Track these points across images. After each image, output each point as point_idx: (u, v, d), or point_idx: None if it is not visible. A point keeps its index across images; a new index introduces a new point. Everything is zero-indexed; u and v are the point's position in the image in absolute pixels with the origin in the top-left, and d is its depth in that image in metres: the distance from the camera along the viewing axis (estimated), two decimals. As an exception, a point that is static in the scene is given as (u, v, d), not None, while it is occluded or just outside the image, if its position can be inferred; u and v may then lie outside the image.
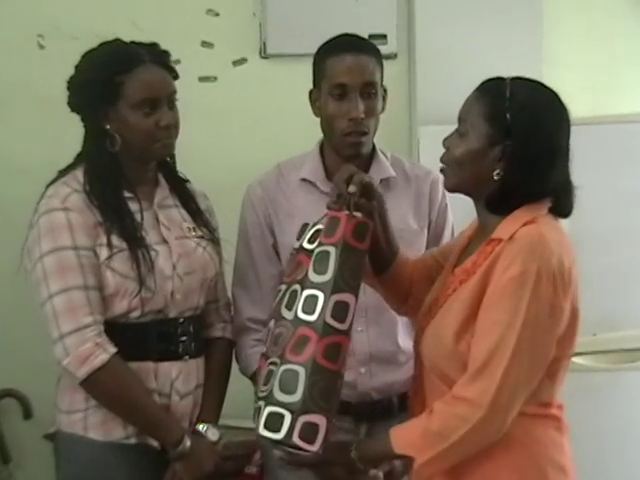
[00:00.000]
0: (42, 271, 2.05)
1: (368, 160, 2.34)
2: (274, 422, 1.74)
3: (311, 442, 1.73)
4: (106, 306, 2.09)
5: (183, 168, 2.31)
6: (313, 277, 1.79)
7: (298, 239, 1.96)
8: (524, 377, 1.73)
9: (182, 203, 2.27)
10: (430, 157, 2.12)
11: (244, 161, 3.13)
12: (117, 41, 2.17)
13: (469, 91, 1.87)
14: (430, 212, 2.37)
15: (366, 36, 2.43)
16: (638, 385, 3.33)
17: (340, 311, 1.77)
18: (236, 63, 3.33)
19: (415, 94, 3.39)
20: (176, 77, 2.21)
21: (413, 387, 2.00)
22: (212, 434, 2.18)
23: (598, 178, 2.99)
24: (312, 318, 1.77)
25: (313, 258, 1.81)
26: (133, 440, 2.13)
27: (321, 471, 1.84)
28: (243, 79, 3.31)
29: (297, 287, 1.84)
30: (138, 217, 2.15)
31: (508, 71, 1.87)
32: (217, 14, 3.29)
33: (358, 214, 1.84)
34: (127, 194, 2.16)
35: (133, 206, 2.16)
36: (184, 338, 2.18)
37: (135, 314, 2.11)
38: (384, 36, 3.31)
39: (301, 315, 1.78)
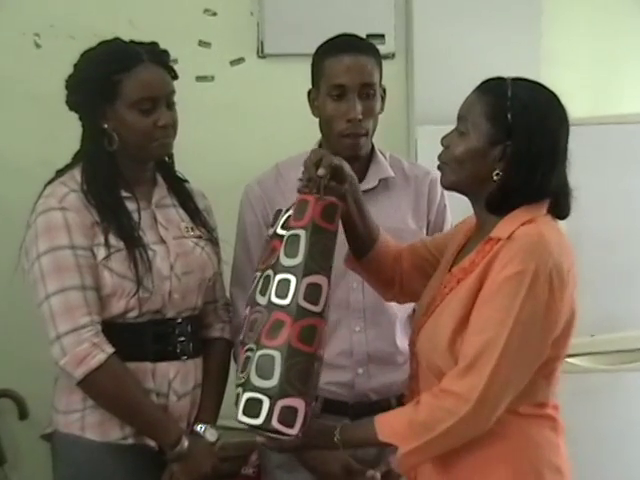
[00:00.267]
0: (39, 271, 2.05)
1: (367, 160, 2.33)
2: (253, 408, 1.73)
3: (290, 426, 1.72)
4: (103, 306, 2.08)
5: (181, 167, 2.31)
6: (284, 261, 1.79)
7: (272, 225, 1.96)
8: (514, 375, 1.73)
9: (180, 203, 2.26)
10: (428, 157, 2.11)
11: (242, 161, 3.13)
12: (116, 40, 2.17)
13: (467, 91, 1.86)
14: (429, 212, 2.37)
15: (364, 36, 2.43)
16: (637, 386, 3.33)
17: (313, 293, 1.77)
18: (233, 63, 3.32)
19: (413, 94, 3.39)
20: (175, 77, 2.20)
21: (409, 386, 2.00)
22: (210, 435, 2.18)
23: (598, 178, 2.99)
24: (285, 302, 1.76)
25: (284, 242, 1.81)
26: (130, 441, 2.12)
27: (303, 455, 1.84)
28: (240, 79, 3.31)
29: (270, 272, 1.84)
30: (136, 217, 2.14)
31: (507, 71, 1.86)
32: (214, 13, 3.29)
33: (329, 197, 1.83)
34: (125, 194, 2.15)
35: (131, 206, 2.15)
36: (182, 338, 2.18)
37: (133, 314, 2.10)
38: (382, 36, 3.31)
39: (275, 300, 1.78)
